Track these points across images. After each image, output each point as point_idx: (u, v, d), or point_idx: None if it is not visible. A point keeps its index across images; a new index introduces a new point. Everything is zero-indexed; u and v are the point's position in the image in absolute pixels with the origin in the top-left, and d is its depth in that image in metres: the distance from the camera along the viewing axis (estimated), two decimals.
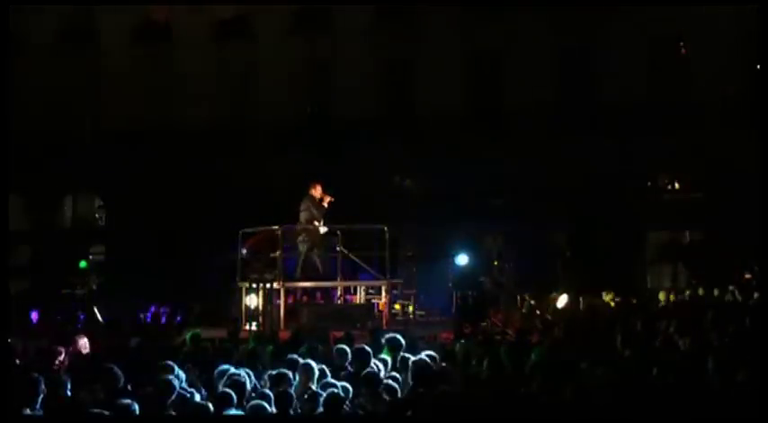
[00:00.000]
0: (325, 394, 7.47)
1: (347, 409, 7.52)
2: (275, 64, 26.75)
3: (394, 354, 9.48)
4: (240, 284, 15.55)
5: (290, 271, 15.24)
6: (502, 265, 22.57)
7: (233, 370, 8.27)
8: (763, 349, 9.15)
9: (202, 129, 26.12)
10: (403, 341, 9.80)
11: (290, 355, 9.02)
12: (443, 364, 9.11)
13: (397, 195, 24.73)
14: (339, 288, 15.92)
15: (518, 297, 19.45)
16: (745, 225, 21.84)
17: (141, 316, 19.32)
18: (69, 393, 7.74)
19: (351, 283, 16.00)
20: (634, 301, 18.66)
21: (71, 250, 26.53)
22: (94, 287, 25.86)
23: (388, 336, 10.21)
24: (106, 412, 6.75)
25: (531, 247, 23.99)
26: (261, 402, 7.13)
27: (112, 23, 27.64)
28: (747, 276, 20.54)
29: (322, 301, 16.80)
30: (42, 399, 7.29)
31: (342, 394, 7.60)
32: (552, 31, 25.20)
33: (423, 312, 16.78)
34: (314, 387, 8.08)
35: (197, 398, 7.64)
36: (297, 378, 8.23)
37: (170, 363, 8.43)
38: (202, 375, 8.78)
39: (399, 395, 7.97)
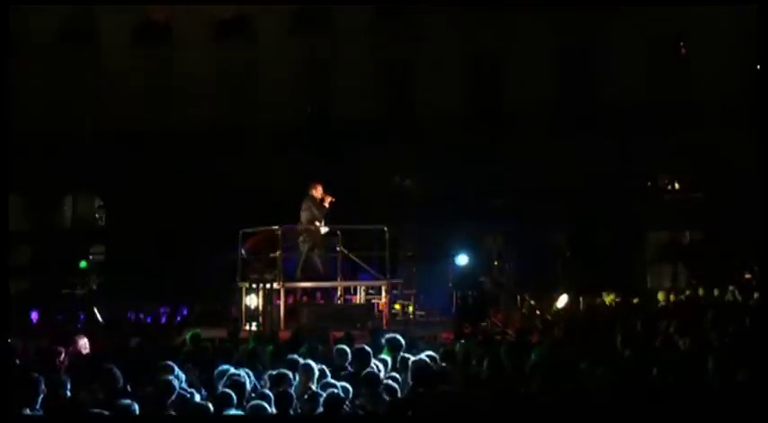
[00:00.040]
0: (325, 394, 7.47)
1: (347, 409, 7.52)
2: (275, 64, 26.76)
3: (394, 354, 9.48)
4: (240, 284, 15.53)
5: (290, 271, 15.22)
6: (502, 265, 22.54)
7: (233, 370, 8.26)
8: (763, 349, 9.15)
9: (202, 129, 26.13)
10: (403, 341, 9.80)
11: (290, 356, 9.02)
12: (443, 364, 9.10)
13: (397, 195, 24.73)
14: (339, 288, 15.90)
15: (518, 297, 19.44)
16: (745, 225, 21.85)
17: (141, 316, 19.33)
18: (69, 393, 7.74)
19: (351, 283, 15.97)
20: (634, 301, 18.65)
21: (71, 250, 26.55)
22: (94, 287, 25.88)
23: (388, 336, 10.21)
24: (106, 412, 6.75)
25: (531, 247, 23.99)
26: (261, 402, 7.13)
27: (112, 23, 27.66)
28: (747, 276, 20.54)
29: (322, 302, 16.79)
30: (42, 399, 7.29)
31: (342, 394, 7.59)
32: (552, 31, 25.21)
33: (423, 312, 16.76)
34: (314, 387, 8.08)
35: (197, 398, 7.63)
36: (297, 378, 8.23)
37: (170, 363, 8.43)
38: (202, 375, 8.78)
39: (399, 395, 7.96)
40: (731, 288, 18.14)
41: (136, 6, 27.41)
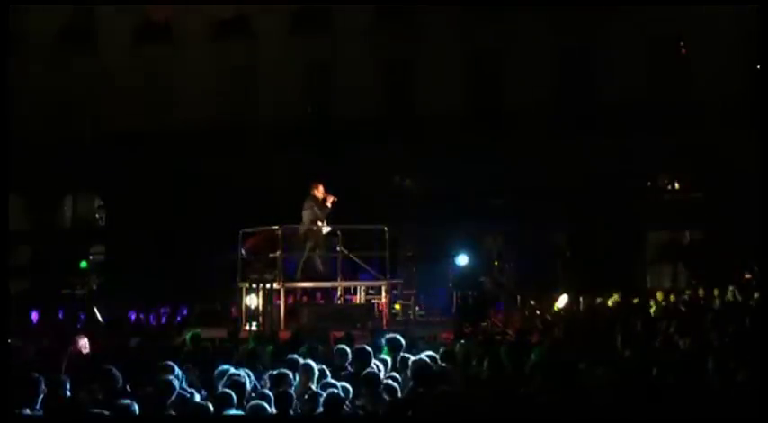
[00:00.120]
0: (325, 394, 7.47)
1: (347, 409, 7.52)
2: (275, 64, 26.76)
3: (394, 354, 9.48)
4: (240, 284, 15.53)
5: (290, 271, 15.22)
6: (502, 265, 22.56)
7: (233, 370, 8.26)
8: (763, 349, 9.15)
9: (202, 129, 26.12)
10: (403, 341, 9.80)
11: (290, 356, 9.02)
12: (443, 364, 9.10)
13: (397, 195, 24.72)
14: (339, 288, 15.90)
15: (518, 297, 19.44)
16: (745, 225, 21.85)
17: (141, 316, 19.34)
18: (69, 393, 7.74)
19: (351, 284, 15.96)
20: (635, 301, 18.65)
21: (71, 250, 26.58)
22: (94, 287, 25.91)
23: (388, 336, 10.21)
24: (106, 412, 6.75)
25: (531, 247, 24.00)
26: (261, 402, 7.12)
27: (112, 23, 27.67)
28: (747, 276, 20.54)
29: (322, 302, 16.79)
30: (42, 399, 7.29)
31: (342, 394, 7.59)
32: (552, 31, 25.20)
33: (423, 312, 16.76)
34: (314, 387, 8.08)
35: (197, 398, 7.63)
36: (297, 378, 8.23)
37: (170, 363, 8.43)
38: (202, 375, 8.78)
39: (399, 395, 7.96)
40: (731, 288, 18.15)
41: (136, 6, 27.44)
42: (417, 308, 16.34)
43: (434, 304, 17.62)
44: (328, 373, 8.47)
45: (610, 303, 18.92)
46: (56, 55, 27.55)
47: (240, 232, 15.60)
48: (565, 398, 7.27)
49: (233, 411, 7.09)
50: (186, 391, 7.65)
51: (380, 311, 15.36)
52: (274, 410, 7.19)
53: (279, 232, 14.97)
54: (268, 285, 14.76)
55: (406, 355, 9.24)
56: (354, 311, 15.07)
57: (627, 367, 8.57)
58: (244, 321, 15.09)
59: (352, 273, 15.97)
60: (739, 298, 17.33)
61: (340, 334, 11.52)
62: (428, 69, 25.87)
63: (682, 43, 25.20)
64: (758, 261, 20.35)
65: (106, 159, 25.88)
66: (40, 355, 10.59)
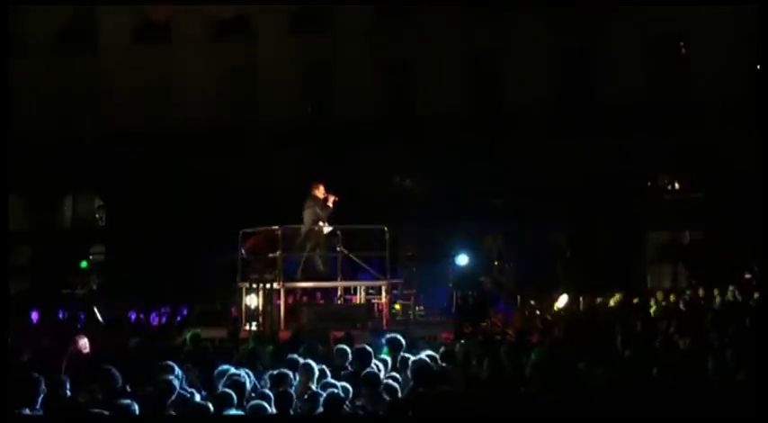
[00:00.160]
0: (325, 394, 7.47)
1: (347, 409, 7.52)
2: (275, 64, 26.76)
3: (394, 354, 9.48)
4: (240, 284, 15.52)
5: (290, 271, 15.21)
6: (502, 265, 22.60)
7: (233, 370, 8.26)
8: (763, 349, 9.15)
9: (202, 129, 26.12)
10: (403, 341, 9.80)
11: (290, 356, 9.02)
12: (443, 364, 9.10)
13: (397, 195, 24.71)
14: (339, 288, 15.90)
15: (518, 297, 19.45)
16: (745, 225, 21.85)
17: (141, 316, 19.34)
18: (69, 393, 7.74)
19: (351, 283, 15.96)
20: (635, 301, 18.65)
21: (71, 250, 26.57)
22: (94, 287, 25.90)
23: (388, 336, 10.21)
24: (106, 412, 6.75)
25: (531, 247, 24.00)
26: (261, 402, 7.12)
27: (112, 23, 27.68)
28: (747, 276, 20.55)
29: (322, 302, 16.79)
30: (42, 399, 7.29)
31: (342, 394, 7.59)
32: (552, 31, 25.20)
33: (423, 312, 16.76)
34: (314, 387, 8.08)
35: (197, 398, 7.63)
36: (297, 378, 8.23)
37: (170, 363, 8.43)
38: (202, 375, 8.78)
39: (399, 395, 7.96)
40: (731, 288, 18.15)
41: (136, 6, 27.42)
42: (418, 308, 16.35)
43: (434, 304, 17.63)
44: (328, 373, 8.47)
45: (612, 303, 18.92)
46: (56, 55, 27.53)
47: (240, 232, 15.59)
48: (565, 398, 7.27)
49: (233, 411, 7.09)
50: (186, 391, 7.65)
51: (380, 311, 15.35)
52: (274, 410, 7.19)
53: (279, 232, 14.97)
54: (268, 285, 14.75)
55: (406, 355, 9.24)
56: (354, 311, 15.06)
57: (627, 367, 8.57)
58: (244, 321, 15.07)
59: (353, 273, 15.96)
60: (739, 298, 17.34)
61: (340, 334, 11.52)
62: (428, 69, 25.87)
63: (682, 43, 25.21)
64: (758, 261, 20.36)
65: (106, 159, 25.87)
66: (40, 355, 10.57)
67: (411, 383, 8.24)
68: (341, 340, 10.75)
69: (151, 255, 24.62)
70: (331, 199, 15.18)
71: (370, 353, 9.06)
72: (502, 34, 25.64)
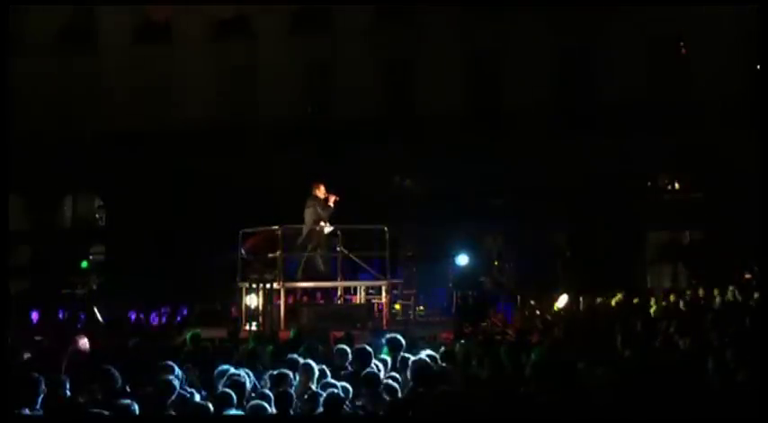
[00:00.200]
0: (325, 394, 7.47)
1: (347, 409, 7.52)
2: (275, 64, 26.76)
3: (394, 354, 9.48)
4: (240, 284, 15.53)
5: (290, 271, 15.21)
6: (502, 265, 22.59)
7: (233, 370, 8.26)
8: (763, 349, 9.15)
9: (202, 129, 26.12)
10: (403, 341, 9.80)
11: (290, 356, 9.02)
12: (443, 364, 9.10)
13: (397, 195, 24.72)
14: (339, 288, 15.90)
15: (518, 297, 19.45)
16: (745, 225, 21.85)
17: (142, 316, 19.34)
18: (69, 393, 7.74)
19: (351, 283, 15.96)
20: (635, 301, 18.66)
21: (71, 250, 26.58)
22: (94, 287, 25.90)
23: (388, 336, 10.20)
24: (106, 412, 6.75)
25: (531, 247, 24.00)
26: (261, 402, 7.12)
27: (112, 23, 27.68)
28: (747, 276, 20.55)
29: (322, 302, 16.79)
30: (42, 399, 7.29)
31: (342, 394, 7.59)
32: (552, 31, 25.20)
33: (423, 312, 16.77)
34: (314, 387, 8.08)
35: (197, 398, 7.63)
36: (297, 378, 8.23)
37: (170, 363, 8.43)
38: (202, 375, 8.78)
39: (399, 395, 7.96)
40: (731, 288, 18.15)
41: (136, 6, 27.42)
42: (418, 308, 16.35)
43: (434, 304, 17.63)
44: (328, 373, 8.47)
45: (613, 303, 18.93)
46: (56, 55, 27.52)
47: (240, 232, 15.59)
48: (565, 398, 7.27)
49: (233, 411, 7.08)
50: (186, 391, 7.65)
51: (380, 311, 15.35)
52: (274, 410, 7.19)
53: (279, 232, 14.97)
54: (268, 285, 14.75)
55: (406, 355, 9.24)
56: (354, 311, 15.06)
57: (627, 367, 8.57)
58: (244, 321, 15.07)
59: (353, 273, 15.97)
60: (739, 298, 17.34)
61: (340, 334, 11.52)
62: (428, 69, 25.87)
63: (682, 43, 25.21)
64: (758, 261, 20.36)
65: (106, 159, 25.87)
66: (40, 354, 10.57)
67: (411, 383, 8.24)
68: (341, 340, 10.75)
69: (151, 255, 24.62)
70: (332, 199, 15.18)
71: (370, 353, 9.06)
72: (502, 34, 25.64)
